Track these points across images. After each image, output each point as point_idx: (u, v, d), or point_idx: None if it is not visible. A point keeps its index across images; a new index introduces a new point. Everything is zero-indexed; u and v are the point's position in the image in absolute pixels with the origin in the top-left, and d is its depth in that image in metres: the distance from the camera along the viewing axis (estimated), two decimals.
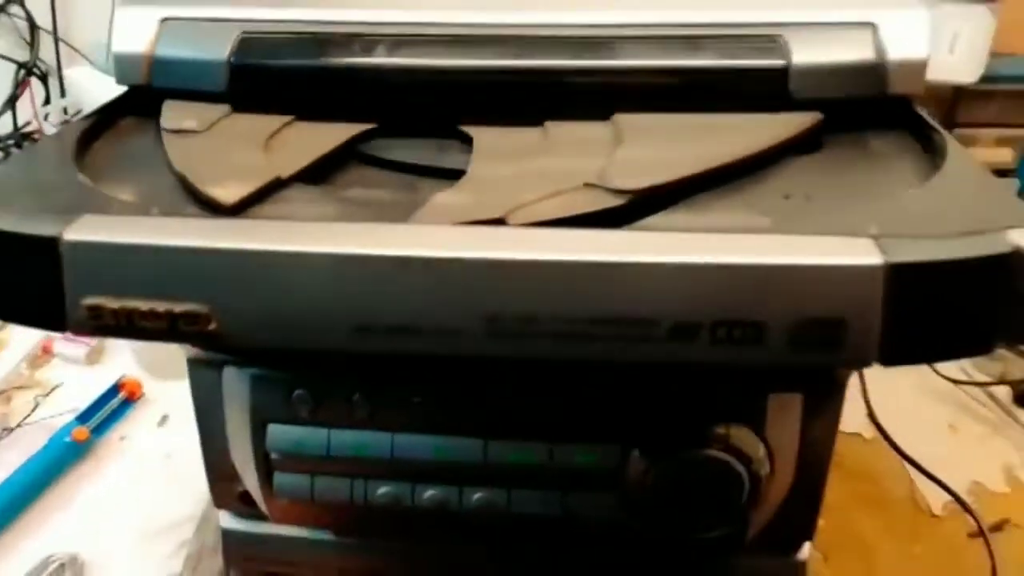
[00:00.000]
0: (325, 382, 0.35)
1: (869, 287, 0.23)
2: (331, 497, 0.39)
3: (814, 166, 0.31)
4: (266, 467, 0.39)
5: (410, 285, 0.24)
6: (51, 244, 0.25)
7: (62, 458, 0.66)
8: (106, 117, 0.36)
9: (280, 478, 0.39)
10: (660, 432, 0.35)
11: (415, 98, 0.34)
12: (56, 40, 1.16)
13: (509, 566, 0.44)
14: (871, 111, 0.33)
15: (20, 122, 1.13)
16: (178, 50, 0.33)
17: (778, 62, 0.32)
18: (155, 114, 0.34)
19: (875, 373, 0.75)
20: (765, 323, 0.23)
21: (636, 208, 0.27)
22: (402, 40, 0.33)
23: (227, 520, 0.45)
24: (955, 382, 0.78)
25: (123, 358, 0.77)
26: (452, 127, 0.33)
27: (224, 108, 0.34)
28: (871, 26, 0.32)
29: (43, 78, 1.17)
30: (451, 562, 0.45)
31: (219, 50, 0.33)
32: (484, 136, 0.32)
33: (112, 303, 0.25)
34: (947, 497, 0.66)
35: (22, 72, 1.15)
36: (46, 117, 1.09)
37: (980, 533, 0.62)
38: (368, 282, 0.24)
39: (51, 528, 0.62)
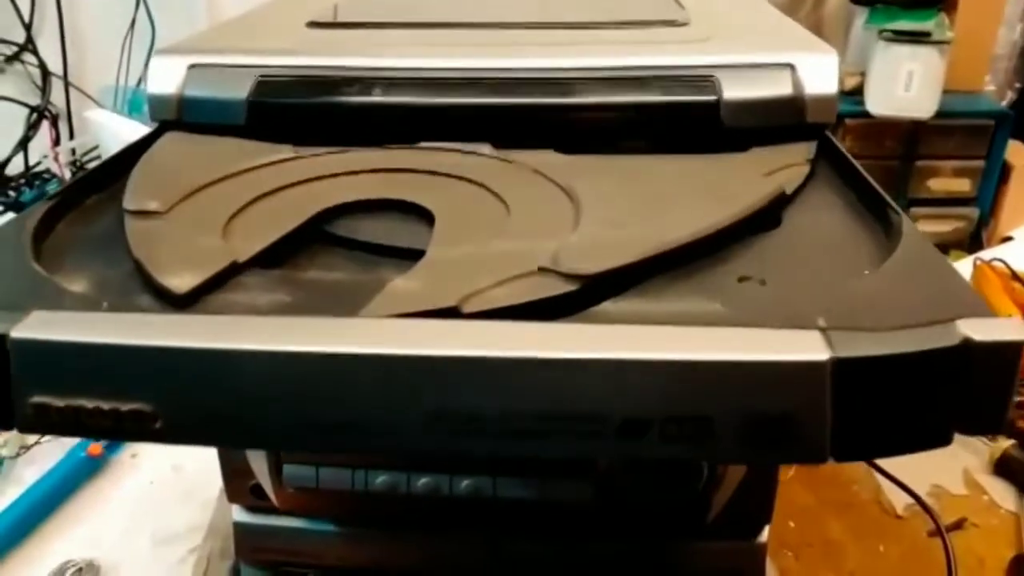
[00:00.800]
0: None
1: (817, 383, 0.22)
2: (334, 485, 0.44)
3: (772, 245, 0.31)
4: (276, 459, 0.44)
5: (351, 383, 0.23)
6: None
7: (78, 472, 0.70)
8: (71, 196, 0.35)
9: (289, 469, 0.44)
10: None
11: (397, 128, 0.38)
12: (67, 85, 1.22)
13: (498, 557, 0.48)
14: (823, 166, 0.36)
15: (31, 162, 1.19)
16: (204, 91, 0.39)
17: (710, 97, 0.37)
18: (121, 192, 0.34)
19: None
20: (713, 419, 0.23)
21: (589, 293, 0.26)
22: (392, 82, 0.39)
23: (239, 514, 0.49)
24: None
25: None
26: (416, 206, 0.33)
27: (190, 185, 0.34)
28: (790, 67, 0.38)
29: (54, 121, 1.23)
30: (449, 554, 0.49)
31: (239, 91, 0.39)
32: (446, 213, 0.32)
33: (58, 402, 0.24)
34: (909, 499, 0.70)
35: (34, 116, 1.21)
36: (56, 157, 1.14)
37: (939, 532, 0.66)
38: (310, 380, 0.23)
39: (68, 537, 0.65)
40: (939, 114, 1.04)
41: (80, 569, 0.61)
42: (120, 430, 0.24)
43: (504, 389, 0.23)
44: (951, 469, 0.77)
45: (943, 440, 0.24)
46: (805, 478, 0.75)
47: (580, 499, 0.43)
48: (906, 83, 0.96)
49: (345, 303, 0.26)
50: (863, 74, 1.03)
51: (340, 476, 0.44)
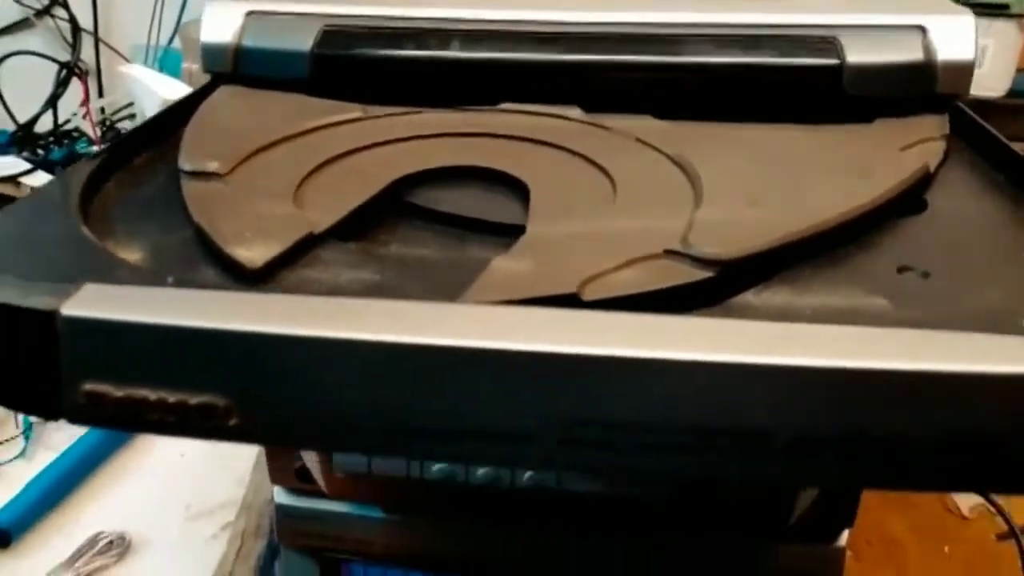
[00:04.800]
0: None
1: None
2: (387, 472, 0.41)
3: (922, 231, 0.27)
4: None
5: (463, 382, 0.20)
6: (47, 319, 0.21)
7: (109, 441, 0.68)
8: (119, 154, 0.32)
9: (340, 454, 0.41)
10: None
11: (476, 87, 0.34)
12: (97, 42, 1.19)
13: (555, 553, 0.46)
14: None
15: (60, 120, 1.16)
16: (264, 41, 0.35)
17: (832, 61, 0.33)
18: (173, 150, 0.31)
19: None
20: (908, 438, 0.19)
21: (727, 281, 0.23)
22: (472, 35, 0.35)
23: (281, 496, 0.46)
24: None
25: None
26: (506, 176, 0.29)
27: (252, 144, 0.30)
28: (920, 29, 0.34)
29: (84, 78, 1.20)
30: (508, 548, 0.46)
31: (303, 42, 0.35)
32: (542, 185, 0.28)
33: (115, 391, 0.21)
34: (976, 500, 0.67)
35: (63, 72, 1.18)
36: (85, 115, 1.11)
37: (1011, 534, 0.63)
38: (415, 376, 0.20)
39: (99, 508, 0.63)
40: (1012, 93, 0.98)
41: (111, 542, 0.59)
42: (188, 426, 0.20)
43: (653, 396, 0.19)
44: None
45: None
46: None
47: (655, 496, 0.40)
48: (979, 58, 0.90)
49: (439, 284, 0.23)
50: None
51: (395, 463, 0.41)
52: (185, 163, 0.29)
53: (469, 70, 0.35)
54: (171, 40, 1.17)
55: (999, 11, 0.91)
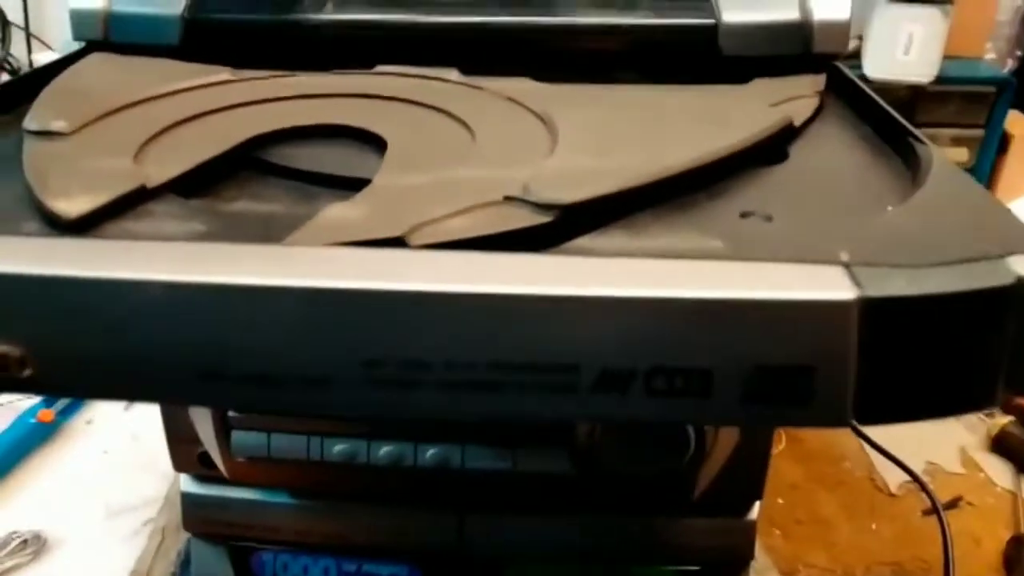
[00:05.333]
0: None
1: (840, 328, 0.18)
2: (288, 454, 0.40)
3: (777, 180, 0.27)
4: (224, 425, 0.40)
5: (268, 322, 0.19)
6: None
7: (27, 439, 0.66)
8: None
9: (238, 436, 0.40)
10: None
11: (353, 50, 0.34)
12: (28, 36, 1.16)
13: (461, 530, 0.45)
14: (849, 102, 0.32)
15: None
16: (133, 6, 0.34)
17: (708, 20, 0.33)
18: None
19: None
20: (712, 371, 0.19)
21: (564, 227, 0.22)
22: None
23: (187, 484, 0.45)
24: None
25: None
26: (367, 133, 0.29)
27: (106, 106, 0.29)
28: None
29: (14, 73, 1.17)
30: (414, 529, 0.45)
31: (173, 6, 0.34)
32: (400, 140, 0.27)
33: None
34: (903, 477, 0.67)
35: None
36: None
37: (934, 510, 0.64)
38: (215, 319, 0.19)
39: (15, 506, 0.62)
40: (938, 80, 1.00)
41: (25, 541, 0.58)
42: None
43: (457, 332, 0.18)
44: (946, 446, 0.74)
45: (989, 400, 0.20)
46: (794, 453, 0.72)
47: (556, 471, 0.40)
48: (906, 46, 0.92)
49: (272, 236, 0.21)
50: (860, 37, 0.98)
51: (294, 444, 0.40)
52: (31, 123, 0.28)
53: (344, 32, 0.34)
54: None
55: None
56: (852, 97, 0.32)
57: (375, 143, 0.28)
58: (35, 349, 0.19)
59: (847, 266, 0.19)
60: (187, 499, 0.46)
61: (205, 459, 0.43)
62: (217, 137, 0.27)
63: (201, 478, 0.45)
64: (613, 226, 0.23)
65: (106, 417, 0.72)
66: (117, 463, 0.68)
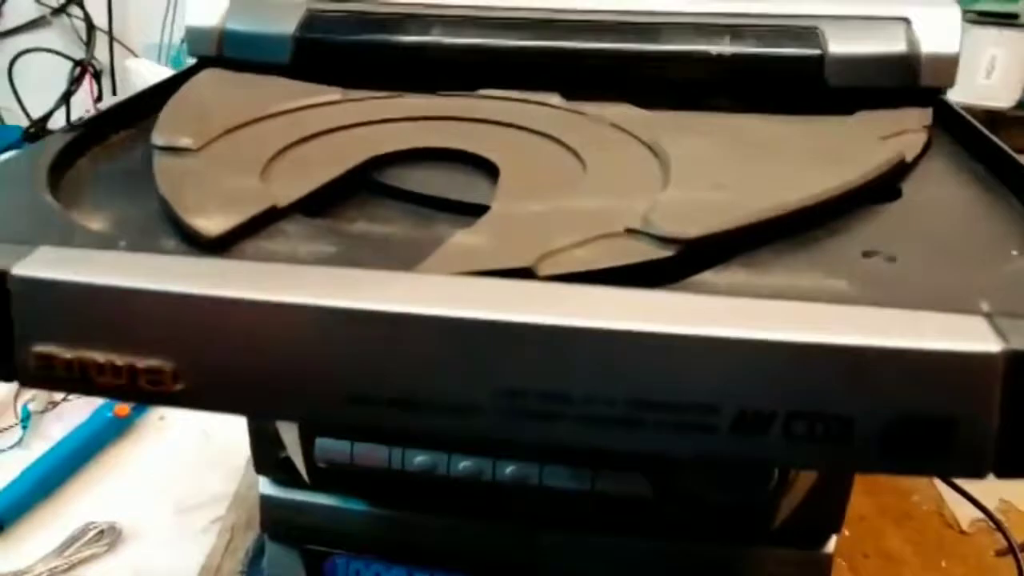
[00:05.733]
0: None
1: (985, 380, 0.18)
2: (369, 462, 0.40)
3: (894, 218, 0.27)
4: (309, 431, 0.41)
5: (416, 349, 0.20)
6: None
7: (104, 432, 0.68)
8: (93, 130, 0.32)
9: (322, 443, 0.41)
10: None
11: (457, 72, 0.35)
12: (111, 40, 1.20)
13: (536, 549, 0.45)
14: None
15: (73, 116, 1.17)
16: (247, 24, 0.36)
17: (814, 51, 0.33)
18: (150, 129, 0.31)
19: None
20: (853, 419, 0.19)
21: (686, 261, 0.23)
22: (452, 21, 0.35)
23: (266, 487, 0.46)
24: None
25: None
26: (478, 158, 0.29)
27: (227, 123, 0.31)
28: (904, 21, 0.33)
29: (97, 75, 1.21)
30: (488, 544, 0.46)
31: (285, 25, 0.35)
32: (512, 166, 0.28)
33: (65, 353, 0.21)
34: (975, 515, 0.66)
35: (77, 70, 1.20)
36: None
37: (1010, 550, 0.62)
38: (366, 344, 0.20)
39: (91, 498, 0.64)
40: (1019, 104, 0.97)
41: (101, 532, 0.60)
42: (136, 391, 0.20)
43: (599, 367, 0.19)
44: (1020, 484, 0.72)
45: None
46: (862, 485, 0.71)
47: (635, 494, 0.40)
48: (987, 70, 0.90)
49: (398, 259, 0.22)
50: None
51: (376, 453, 0.41)
52: (157, 138, 0.29)
53: (449, 56, 0.35)
54: (183, 40, 1.19)
55: (1008, 21, 0.90)
56: (961, 132, 0.32)
57: (485, 167, 0.28)
58: (187, 364, 0.20)
59: (989, 316, 0.19)
60: (266, 501, 0.47)
61: (286, 463, 0.44)
62: (336, 157, 0.28)
63: (281, 482, 0.47)
64: (733, 262, 0.23)
65: (178, 414, 0.73)
66: (187, 460, 0.70)
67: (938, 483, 0.69)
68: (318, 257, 0.23)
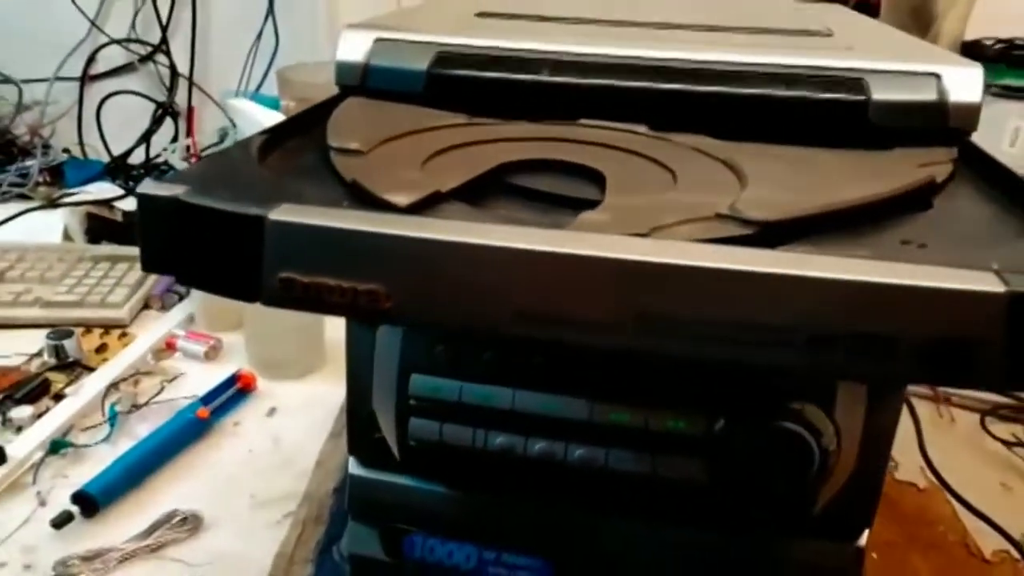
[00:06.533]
0: (463, 341, 0.41)
1: (994, 312, 0.24)
2: (455, 441, 0.46)
3: (925, 221, 0.33)
4: (404, 412, 0.46)
5: (569, 280, 0.26)
6: (257, 222, 0.27)
7: (186, 432, 0.74)
8: (276, 135, 0.39)
9: (415, 423, 0.46)
10: (743, 404, 0.40)
11: (561, 106, 0.42)
12: (190, 85, 1.30)
13: (595, 534, 0.50)
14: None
15: (151, 154, 1.27)
16: (388, 61, 0.43)
17: (860, 97, 0.40)
18: (315, 140, 0.37)
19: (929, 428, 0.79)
20: (897, 339, 0.25)
21: (765, 238, 0.29)
22: (558, 64, 0.43)
23: (355, 467, 0.52)
24: (1008, 444, 0.82)
25: (237, 358, 0.86)
26: (587, 168, 0.36)
27: (384, 134, 0.37)
28: (935, 76, 0.40)
29: (175, 117, 1.31)
30: (546, 522, 0.50)
31: (420, 62, 0.43)
32: (616, 175, 0.34)
33: (303, 278, 0.27)
34: (998, 544, 0.69)
35: (159, 111, 1.30)
36: (173, 151, 1.22)
37: None
38: (531, 275, 0.26)
39: (175, 490, 0.69)
40: None
41: (185, 519, 0.65)
42: (355, 307, 0.26)
43: (705, 297, 0.25)
44: None
45: None
46: (890, 512, 0.75)
47: (691, 477, 0.44)
48: (1012, 138, 0.97)
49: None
50: None
51: (462, 433, 0.46)
52: (333, 141, 0.36)
53: (555, 91, 0.42)
54: (259, 87, 1.28)
55: None
56: (982, 165, 0.38)
57: (592, 177, 0.35)
58: (395, 289, 0.26)
59: (997, 272, 0.25)
60: (354, 481, 0.52)
61: (380, 443, 0.50)
62: (476, 162, 0.35)
63: (369, 463, 0.52)
64: (801, 243, 0.29)
65: (252, 421, 0.79)
66: (260, 461, 0.75)
67: (963, 514, 0.73)
68: None
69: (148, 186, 0.29)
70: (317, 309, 0.27)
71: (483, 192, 0.35)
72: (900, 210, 0.32)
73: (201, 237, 0.28)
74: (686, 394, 0.40)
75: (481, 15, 0.51)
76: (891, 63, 0.41)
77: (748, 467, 0.43)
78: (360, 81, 0.44)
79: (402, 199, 0.30)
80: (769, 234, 0.29)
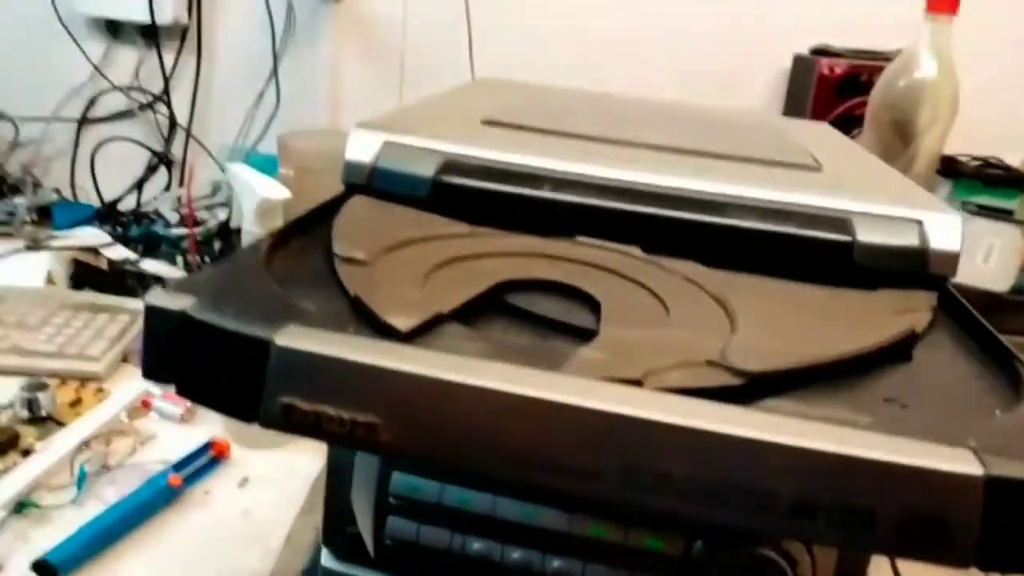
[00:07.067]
0: None
1: (970, 494, 0.25)
2: (432, 543, 0.46)
3: (906, 375, 0.34)
4: (383, 509, 0.46)
5: (565, 428, 0.26)
6: (263, 346, 0.28)
7: (156, 499, 0.72)
8: (282, 237, 0.40)
9: (393, 521, 0.46)
10: (722, 529, 0.40)
11: (559, 221, 0.43)
12: (187, 137, 1.32)
13: None
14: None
15: (143, 201, 1.27)
16: (395, 164, 0.44)
17: (846, 237, 0.42)
18: (320, 240, 0.39)
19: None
20: (875, 513, 0.25)
21: (752, 389, 0.29)
22: (559, 182, 0.44)
23: (328, 560, 0.51)
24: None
25: (212, 422, 0.84)
26: (582, 292, 0.37)
27: (388, 241, 0.38)
28: (918, 223, 0.42)
29: (169, 167, 1.32)
30: None
31: (426, 169, 0.44)
32: (611, 302, 0.36)
33: (305, 405, 0.27)
34: None
35: (155, 160, 1.31)
36: (164, 201, 1.22)
37: None
38: (528, 422, 0.26)
39: (139, 561, 0.67)
40: (1015, 289, 1.07)
41: None
42: (352, 438, 0.27)
43: (699, 457, 0.26)
44: None
45: None
46: None
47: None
48: (986, 255, 1.00)
49: (533, 363, 0.29)
50: None
51: (439, 536, 0.46)
52: (338, 250, 0.36)
53: (554, 208, 0.43)
54: (255, 145, 1.30)
55: (1004, 215, 1.01)
56: (958, 313, 0.40)
57: (587, 301, 0.36)
58: (392, 423, 0.27)
59: (974, 451, 0.26)
60: (326, 573, 0.52)
61: (355, 538, 0.49)
62: (475, 279, 0.36)
63: (343, 556, 0.51)
64: (788, 395, 0.30)
65: (223, 490, 0.78)
66: (228, 533, 0.73)
67: None
68: (475, 355, 0.30)
69: (156, 297, 0.29)
70: (316, 436, 0.28)
71: (482, 310, 0.36)
72: (882, 362, 0.34)
73: (206, 353, 0.28)
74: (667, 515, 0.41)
75: (487, 123, 0.52)
76: (877, 206, 0.43)
77: None
78: (367, 181, 0.45)
79: (403, 323, 0.30)
80: (757, 385, 0.30)
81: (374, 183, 0.45)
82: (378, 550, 0.48)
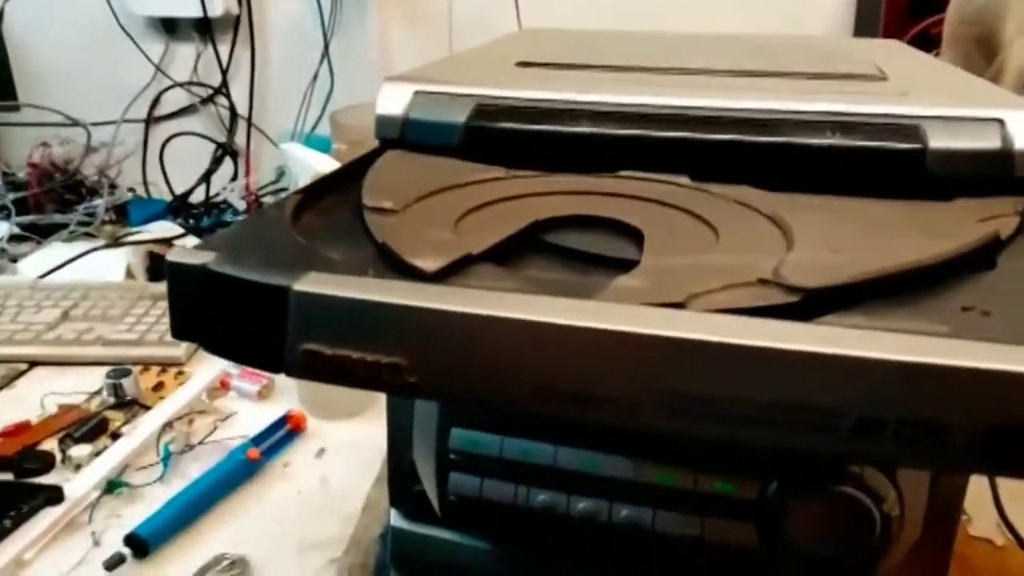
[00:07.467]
0: None
1: None
2: (496, 497, 0.45)
3: (989, 283, 0.31)
4: (444, 466, 0.46)
5: (596, 356, 0.24)
6: (282, 293, 0.27)
7: (237, 473, 0.74)
8: (312, 194, 0.39)
9: (455, 477, 0.45)
10: (797, 467, 0.38)
11: (601, 157, 0.41)
12: (249, 127, 1.34)
13: None
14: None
15: (211, 193, 1.30)
16: (427, 114, 0.43)
17: (916, 145, 0.38)
18: (351, 197, 0.37)
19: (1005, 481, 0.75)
20: (951, 427, 0.23)
21: (810, 306, 0.27)
22: (598, 115, 0.42)
23: (397, 519, 0.51)
24: None
25: (289, 397, 0.86)
26: (624, 225, 0.35)
27: (418, 191, 0.37)
28: (999, 121, 0.38)
29: (234, 157, 1.35)
30: None
31: (459, 115, 0.42)
32: (655, 232, 0.33)
33: (327, 350, 0.26)
34: None
35: (219, 151, 1.34)
36: (232, 190, 1.25)
37: None
38: (555, 350, 0.25)
39: (224, 532, 0.69)
40: None
41: (233, 563, 0.65)
42: (378, 380, 0.26)
43: (743, 377, 0.23)
44: None
45: None
46: (963, 572, 0.70)
47: (741, 543, 0.42)
48: None
49: (570, 296, 0.27)
50: None
51: (503, 489, 0.45)
52: (367, 200, 0.35)
53: (595, 142, 0.41)
54: (314, 127, 1.31)
55: None
56: None
57: (630, 234, 0.34)
58: (419, 363, 0.26)
59: None
60: (396, 534, 0.52)
61: (420, 496, 0.49)
62: (510, 219, 0.34)
63: (412, 515, 0.51)
64: (852, 310, 0.27)
65: (301, 461, 0.79)
66: (308, 504, 0.75)
67: None
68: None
69: (177, 254, 0.29)
70: (341, 382, 0.27)
71: (518, 250, 0.34)
72: (961, 271, 0.30)
73: (227, 306, 0.28)
74: (736, 455, 0.38)
75: (521, 64, 0.50)
76: (950, 108, 0.39)
77: (802, 533, 0.41)
78: (399, 134, 0.43)
79: (430, 264, 0.29)
80: (815, 302, 0.27)
81: (407, 135, 0.43)
82: (443, 507, 0.47)
